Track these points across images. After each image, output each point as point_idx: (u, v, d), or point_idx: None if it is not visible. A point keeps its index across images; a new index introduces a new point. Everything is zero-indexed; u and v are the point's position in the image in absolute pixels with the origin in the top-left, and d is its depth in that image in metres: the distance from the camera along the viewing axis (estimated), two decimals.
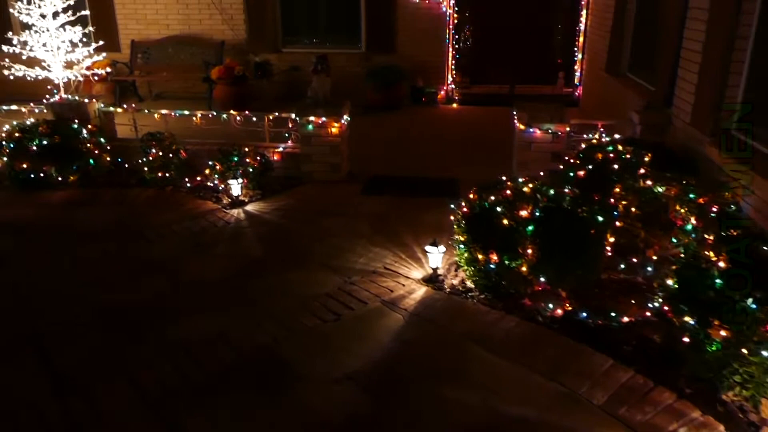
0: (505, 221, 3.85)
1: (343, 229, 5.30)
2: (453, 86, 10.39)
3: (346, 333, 3.79)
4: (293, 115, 6.44)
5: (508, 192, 4.04)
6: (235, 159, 5.99)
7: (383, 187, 6.33)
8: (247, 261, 4.78)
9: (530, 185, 4.10)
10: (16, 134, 6.05)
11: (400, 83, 9.88)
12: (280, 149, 6.55)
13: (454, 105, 10.27)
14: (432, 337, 3.73)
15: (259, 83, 10.18)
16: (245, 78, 9.59)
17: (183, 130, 6.83)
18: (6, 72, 7.99)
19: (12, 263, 4.79)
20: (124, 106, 6.75)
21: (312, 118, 6.26)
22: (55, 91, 8.55)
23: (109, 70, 9.17)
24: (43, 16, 8.10)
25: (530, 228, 3.75)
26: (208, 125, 6.74)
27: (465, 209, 4.14)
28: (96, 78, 9.13)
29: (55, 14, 8.21)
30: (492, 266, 3.93)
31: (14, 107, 6.86)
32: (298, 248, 4.99)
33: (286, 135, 6.59)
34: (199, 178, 6.30)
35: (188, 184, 6.29)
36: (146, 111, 6.69)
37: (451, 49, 10.28)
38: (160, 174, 6.26)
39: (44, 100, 8.16)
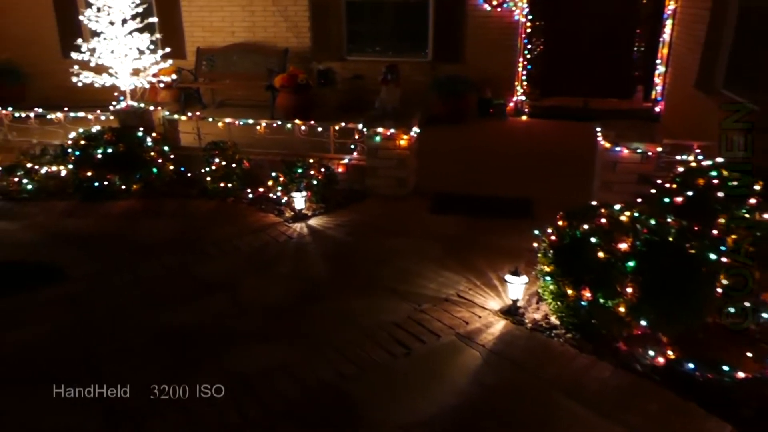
0: (601, 254, 3.42)
1: (411, 250, 4.96)
2: (522, 98, 9.92)
3: (418, 371, 3.44)
4: (360, 126, 6.16)
5: (603, 220, 3.60)
6: (299, 171, 5.75)
7: (451, 205, 5.95)
8: (310, 282, 4.50)
9: (628, 213, 3.64)
10: (82, 142, 6.00)
11: (467, 94, 9.50)
12: (345, 161, 6.28)
13: (524, 118, 9.80)
14: (514, 383, 3.33)
15: (321, 91, 10.00)
16: (308, 86, 9.41)
17: (246, 139, 6.66)
18: (74, 79, 8.05)
19: (73, 277, 4.65)
20: (188, 114, 6.63)
21: (380, 130, 5.96)
22: (122, 98, 8.58)
23: (174, 77, 9.15)
24: (111, 23, 8.14)
25: (631, 264, 3.31)
26: (272, 135, 6.54)
27: (553, 238, 3.72)
28: (161, 85, 9.14)
29: (124, 21, 8.24)
30: (583, 303, 3.51)
31: (81, 114, 6.85)
32: (363, 270, 4.68)
33: (352, 147, 6.32)
34: (261, 190, 6.10)
35: (250, 196, 6.09)
36: (210, 119, 6.55)
37: (521, 59, 9.82)
38: (222, 184, 6.09)
39: (111, 107, 8.20)
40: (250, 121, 6.47)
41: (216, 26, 10.47)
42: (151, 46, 8.70)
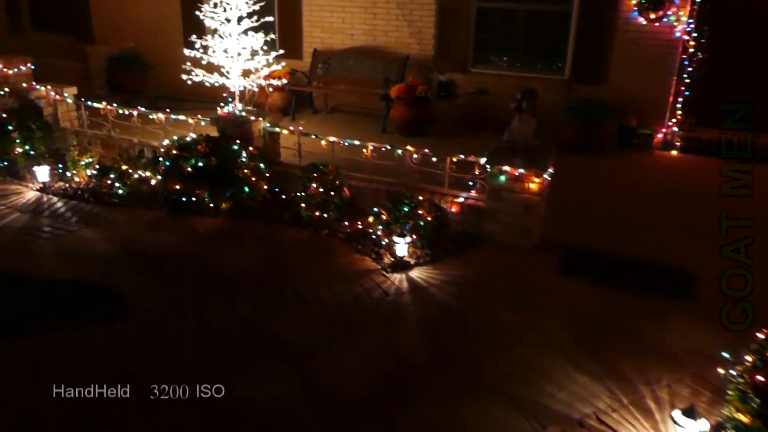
0: None
1: (535, 332, 3.93)
2: (674, 129, 8.44)
3: None
4: (482, 161, 5.17)
5: None
6: (406, 209, 4.87)
7: (585, 266, 4.83)
8: (405, 365, 3.61)
9: None
10: (174, 151, 5.47)
11: (606, 121, 8.18)
12: (461, 200, 5.32)
13: (674, 152, 8.32)
14: None
15: (440, 105, 9.07)
16: (426, 99, 8.52)
17: (350, 156, 5.84)
18: (184, 77, 7.68)
19: (132, 312, 4.07)
20: (291, 128, 5.96)
21: (506, 168, 4.94)
22: (230, 100, 8.15)
23: (285, 81, 8.60)
24: (227, 20, 7.68)
25: None
26: (379, 159, 5.70)
27: (760, 377, 2.56)
28: (271, 89, 8.63)
29: (240, 19, 7.76)
30: None
31: (182, 117, 6.38)
32: (472, 357, 3.71)
33: (470, 183, 5.34)
34: (359, 224, 5.29)
35: (347, 230, 5.30)
36: (313, 136, 5.83)
37: (677, 83, 8.34)
38: (317, 213, 5.34)
39: (219, 108, 7.78)
40: (356, 143, 5.66)
41: (336, 27, 9.83)
42: (265, 47, 8.19)
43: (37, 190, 6.26)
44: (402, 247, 4.72)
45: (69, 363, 3.52)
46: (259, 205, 5.69)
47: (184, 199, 5.48)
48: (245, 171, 5.46)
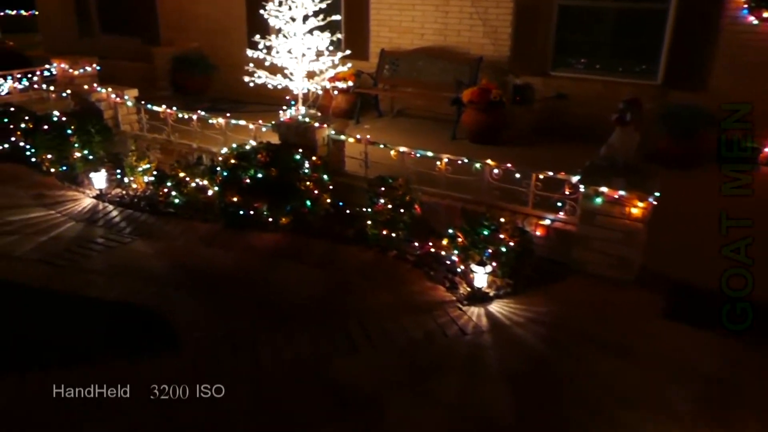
0: None
1: (641, 392, 3.28)
2: None
3: None
4: (574, 179, 4.53)
5: None
6: (486, 232, 4.28)
7: (698, 309, 4.11)
8: (485, 429, 3.03)
9: None
10: (232, 161, 5.07)
11: (705, 132, 7.30)
12: (547, 222, 4.69)
13: None
14: None
15: (515, 110, 8.41)
16: (501, 104, 7.88)
17: (421, 169, 5.28)
18: (246, 78, 7.34)
19: (182, 343, 3.66)
20: (357, 137, 5.46)
21: (604, 190, 4.28)
22: (293, 102, 7.76)
23: (351, 83, 8.14)
24: (292, 19, 7.29)
25: None
26: (454, 172, 5.12)
27: None
28: (336, 92, 8.21)
29: (305, 18, 7.35)
30: None
31: (242, 122, 6.00)
32: (566, 419, 3.10)
33: (558, 204, 4.70)
34: (431, 245, 4.74)
35: (417, 251, 4.76)
36: (381, 146, 5.31)
37: None
38: (384, 231, 4.82)
39: (281, 112, 7.39)
40: (429, 154, 5.10)
41: (405, 26, 9.31)
42: (331, 47, 7.76)
43: (93, 197, 6.03)
44: (481, 277, 4.15)
45: (112, 407, 3.13)
46: (321, 219, 5.23)
47: (241, 212, 5.08)
48: (307, 183, 5.01)
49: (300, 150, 5.21)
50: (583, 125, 8.07)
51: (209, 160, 6.13)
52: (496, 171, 4.85)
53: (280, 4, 7.23)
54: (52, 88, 7.76)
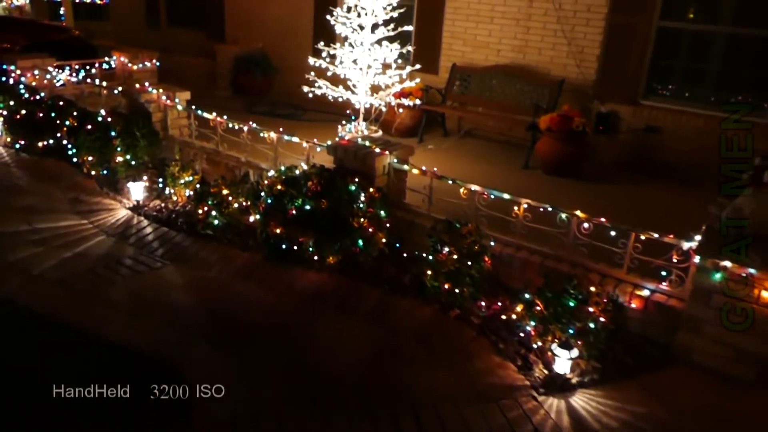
0: None
1: None
2: None
3: None
4: (686, 245, 3.69)
5: None
6: (571, 304, 3.50)
7: None
8: None
9: None
10: (279, 187, 4.44)
11: None
12: (646, 293, 3.86)
13: None
14: None
15: (597, 140, 7.54)
16: (584, 134, 7.03)
17: (493, 211, 4.52)
18: (306, 89, 6.77)
19: (197, 414, 3.04)
20: (423, 168, 4.73)
21: (726, 264, 3.43)
22: (353, 117, 7.16)
23: (418, 101, 7.45)
24: (360, 27, 6.67)
25: None
26: (535, 220, 4.35)
27: None
28: (401, 111, 7.54)
29: (374, 27, 6.72)
30: None
31: (295, 139, 5.39)
32: None
33: (663, 273, 3.87)
34: (501, 305, 4.00)
35: (483, 312, 4.02)
36: (450, 181, 4.57)
37: None
38: (446, 285, 4.09)
39: (338, 129, 6.81)
40: (506, 197, 4.33)
41: (480, 41, 8.55)
42: (399, 60, 7.11)
43: (129, 208, 5.54)
44: (564, 362, 3.37)
45: None
46: (373, 261, 4.54)
47: (284, 245, 4.45)
48: (362, 220, 4.33)
49: (356, 179, 4.54)
50: (677, 165, 7.13)
51: (256, 178, 5.56)
52: (585, 225, 4.04)
53: (349, 10, 6.63)
54: (105, 83, 7.37)
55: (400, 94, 7.19)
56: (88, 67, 8.88)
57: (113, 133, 5.91)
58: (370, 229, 4.40)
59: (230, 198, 5.11)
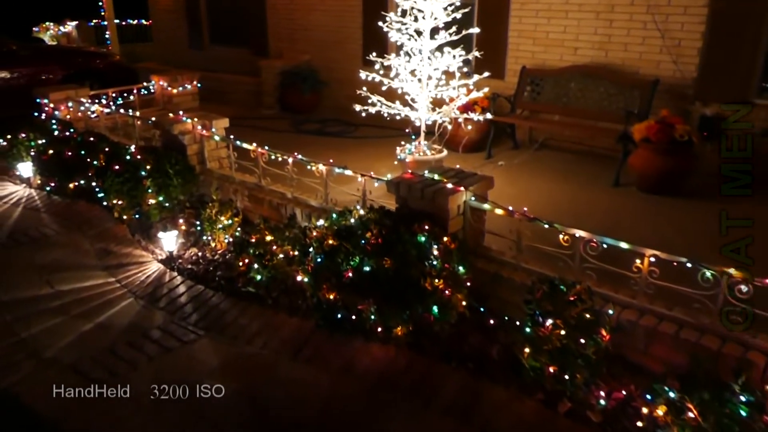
0: None
1: None
2: None
3: None
4: None
5: None
6: (743, 413, 2.46)
7: None
8: None
9: None
10: (330, 241, 3.56)
11: None
12: None
13: None
14: None
15: (701, 149, 6.34)
16: (690, 144, 5.89)
17: (603, 261, 3.50)
18: (358, 107, 5.90)
19: None
20: (510, 208, 3.72)
21: None
22: (413, 136, 6.24)
23: (489, 115, 6.47)
24: (418, 33, 5.75)
25: None
26: (662, 276, 3.31)
27: None
28: (470, 127, 6.58)
29: (434, 32, 5.78)
30: None
31: (348, 172, 4.52)
32: None
33: None
34: (624, 394, 2.99)
35: (603, 403, 3.02)
36: (546, 225, 3.58)
37: None
38: (552, 369, 3.11)
39: (397, 151, 5.90)
40: (624, 246, 3.30)
41: (552, 39, 7.49)
42: (465, 68, 6.15)
43: (162, 260, 4.81)
44: None
45: None
46: (451, 328, 3.60)
47: (339, 314, 3.57)
48: (435, 281, 3.40)
49: (425, 225, 3.62)
50: None
51: (304, 220, 4.73)
52: (744, 288, 2.98)
53: (404, 14, 5.72)
54: (137, 113, 6.74)
55: (464, 107, 6.23)
56: (126, 94, 8.33)
57: (143, 173, 5.21)
58: (447, 291, 3.46)
59: (274, 247, 4.29)
